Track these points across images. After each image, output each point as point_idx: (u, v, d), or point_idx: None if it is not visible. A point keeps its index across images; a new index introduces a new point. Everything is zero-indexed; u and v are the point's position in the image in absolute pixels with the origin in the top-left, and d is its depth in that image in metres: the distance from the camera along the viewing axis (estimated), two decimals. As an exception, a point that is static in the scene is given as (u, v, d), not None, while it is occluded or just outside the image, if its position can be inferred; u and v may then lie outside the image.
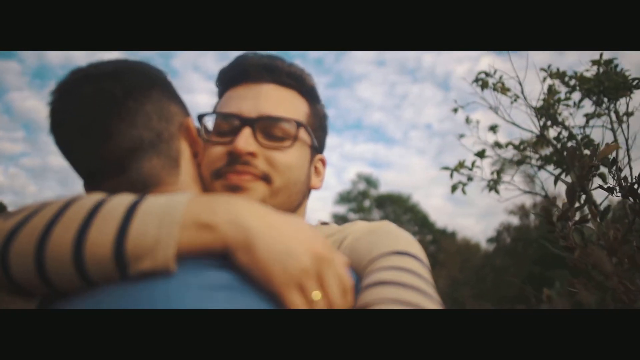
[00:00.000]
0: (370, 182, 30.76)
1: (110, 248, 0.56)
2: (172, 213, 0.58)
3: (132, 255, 0.56)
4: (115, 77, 0.73)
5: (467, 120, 3.15)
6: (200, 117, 0.87)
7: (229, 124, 0.85)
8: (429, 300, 0.66)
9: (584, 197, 0.98)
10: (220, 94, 0.94)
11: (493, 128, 3.06)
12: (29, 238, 0.58)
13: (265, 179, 0.82)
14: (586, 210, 1.04)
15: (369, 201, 30.49)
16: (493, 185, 2.91)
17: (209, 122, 0.89)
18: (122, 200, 0.60)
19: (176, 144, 0.78)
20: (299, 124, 0.86)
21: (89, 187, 0.79)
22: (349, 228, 0.87)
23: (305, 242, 0.62)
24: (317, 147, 0.93)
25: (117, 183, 0.74)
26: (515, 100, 2.82)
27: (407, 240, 0.79)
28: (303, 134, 0.88)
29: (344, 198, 30.22)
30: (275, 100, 0.86)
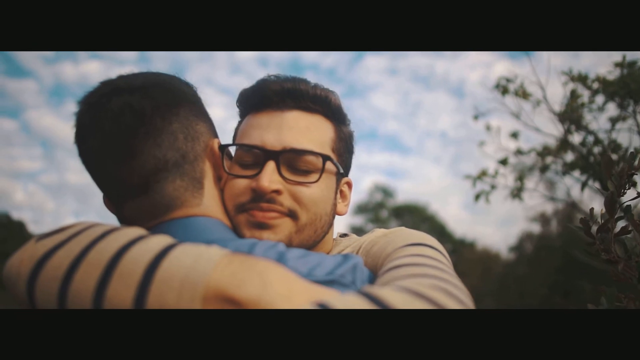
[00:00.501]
0: (387, 192, 30.63)
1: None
2: (194, 283, 0.54)
3: None
4: (143, 92, 0.72)
5: (488, 128, 3.09)
6: (222, 148, 0.82)
7: (252, 156, 0.82)
8: (449, 275, 0.65)
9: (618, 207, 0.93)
10: (242, 115, 0.92)
11: (515, 135, 3.00)
12: (54, 274, 0.57)
13: (292, 215, 0.80)
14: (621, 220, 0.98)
15: (386, 211, 30.31)
16: (517, 193, 2.84)
17: (232, 150, 0.86)
18: (144, 253, 0.57)
19: (201, 165, 0.76)
20: (325, 158, 0.82)
21: (111, 204, 0.77)
22: (367, 236, 0.88)
23: None
24: (343, 173, 0.90)
25: (139, 203, 0.72)
26: (538, 105, 2.75)
27: (421, 234, 0.80)
28: (329, 165, 0.84)
29: (361, 209, 30.11)
30: (299, 130, 0.82)
